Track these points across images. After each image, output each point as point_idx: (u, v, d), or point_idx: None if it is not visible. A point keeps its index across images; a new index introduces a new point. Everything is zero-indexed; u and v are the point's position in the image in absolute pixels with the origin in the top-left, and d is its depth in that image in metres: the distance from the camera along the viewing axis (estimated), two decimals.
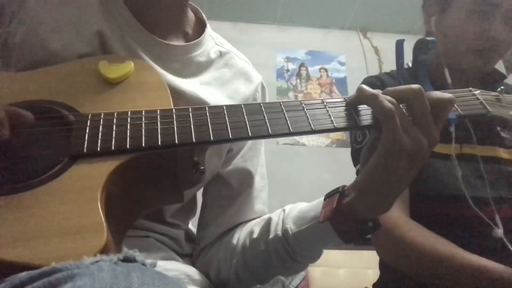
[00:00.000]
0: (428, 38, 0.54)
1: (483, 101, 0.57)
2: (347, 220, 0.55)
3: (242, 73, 0.77)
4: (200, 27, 0.77)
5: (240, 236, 0.70)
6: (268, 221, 0.67)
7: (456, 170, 0.85)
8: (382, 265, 1.02)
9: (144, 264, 0.37)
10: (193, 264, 0.74)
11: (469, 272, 0.72)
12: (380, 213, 0.55)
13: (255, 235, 0.67)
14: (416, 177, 0.86)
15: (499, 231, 0.81)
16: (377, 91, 0.50)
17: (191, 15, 0.77)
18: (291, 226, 0.62)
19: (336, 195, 0.56)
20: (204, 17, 0.79)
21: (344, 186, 0.58)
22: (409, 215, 0.86)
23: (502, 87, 0.61)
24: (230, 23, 3.69)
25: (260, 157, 0.79)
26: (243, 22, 3.79)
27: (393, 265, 0.87)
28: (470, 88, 0.59)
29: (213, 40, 0.76)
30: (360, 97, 0.52)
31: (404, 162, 0.49)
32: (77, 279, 0.30)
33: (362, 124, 0.52)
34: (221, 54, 0.76)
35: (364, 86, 0.51)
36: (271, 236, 0.64)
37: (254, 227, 0.69)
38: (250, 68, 0.80)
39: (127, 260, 0.36)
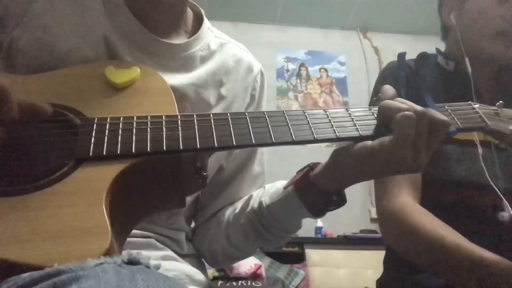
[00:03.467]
0: (430, 52, 0.54)
1: (482, 115, 0.58)
2: (311, 191, 0.59)
3: (243, 62, 0.79)
4: (197, 22, 0.79)
5: (226, 213, 0.75)
6: (249, 198, 0.73)
7: (479, 157, 0.85)
8: (387, 261, 1.02)
9: (148, 266, 0.37)
10: (194, 261, 0.76)
11: (474, 265, 0.71)
12: (341, 187, 0.58)
13: (237, 211, 0.73)
14: (435, 161, 0.88)
15: (506, 214, 0.81)
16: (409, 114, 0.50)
17: (189, 11, 0.79)
18: (265, 199, 0.67)
19: (307, 168, 0.61)
20: (202, 11, 0.80)
21: (318, 162, 0.61)
22: (419, 201, 0.87)
23: (500, 102, 0.62)
24: (230, 23, 3.69)
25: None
26: (243, 22, 3.80)
27: (396, 250, 0.87)
28: (470, 102, 0.60)
29: (212, 33, 0.78)
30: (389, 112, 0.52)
31: (378, 168, 0.52)
32: (82, 281, 0.30)
33: (363, 135, 0.53)
34: (221, 45, 0.78)
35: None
36: (248, 209, 0.69)
37: (238, 204, 0.75)
38: (250, 56, 0.82)
39: (131, 262, 0.36)
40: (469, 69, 0.92)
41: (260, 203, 0.67)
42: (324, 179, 0.58)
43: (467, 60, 0.93)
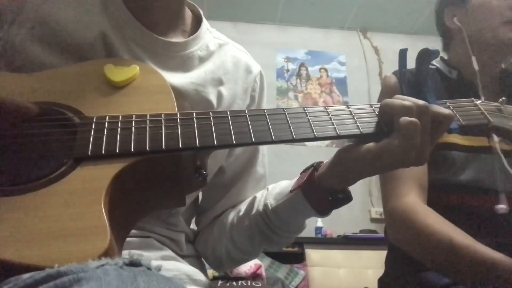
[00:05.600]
0: (431, 48, 0.54)
1: (485, 111, 0.58)
2: (318, 191, 0.59)
3: (242, 63, 0.79)
4: (196, 22, 0.78)
5: (229, 216, 0.75)
6: (253, 200, 0.73)
7: (486, 162, 0.87)
8: (389, 259, 1.03)
9: (149, 268, 0.37)
10: (194, 260, 0.76)
11: (482, 265, 0.71)
12: (346, 186, 0.59)
13: (241, 213, 0.72)
14: (441, 166, 0.88)
15: (502, 207, 0.83)
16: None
17: (187, 11, 0.78)
18: (271, 201, 0.67)
19: (311, 169, 0.61)
20: (201, 12, 0.80)
21: (321, 162, 0.61)
22: (426, 202, 0.88)
23: (503, 98, 0.61)
24: (230, 23, 3.69)
25: (260, 146, 0.81)
26: (243, 22, 3.80)
27: (403, 249, 0.87)
28: (472, 98, 0.60)
29: (210, 34, 0.78)
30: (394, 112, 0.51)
31: (383, 167, 0.52)
32: (83, 283, 0.30)
33: (364, 132, 0.53)
34: (220, 46, 0.77)
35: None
36: (253, 212, 0.69)
37: (242, 206, 0.74)
38: (249, 58, 0.82)
39: (132, 264, 0.36)
40: (476, 67, 0.94)
41: (266, 205, 0.67)
42: (329, 179, 0.58)
43: (473, 58, 0.95)
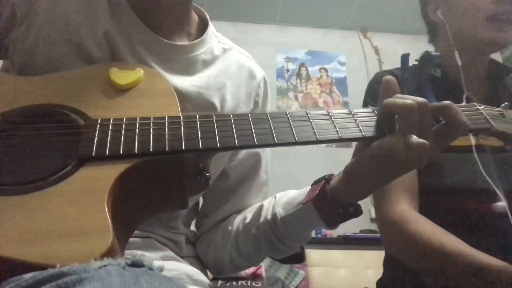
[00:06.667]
0: (433, 53, 0.54)
1: (487, 116, 0.57)
2: (329, 204, 0.59)
3: (245, 69, 0.79)
4: (203, 27, 0.78)
5: (234, 222, 0.74)
6: (260, 208, 0.72)
7: (476, 162, 0.85)
8: (387, 262, 1.03)
9: (151, 269, 0.37)
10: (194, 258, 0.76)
11: (475, 270, 0.71)
12: (358, 199, 0.58)
13: (247, 220, 0.72)
14: (430, 170, 0.88)
15: (500, 204, 0.81)
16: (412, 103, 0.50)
17: (193, 15, 0.79)
18: (279, 211, 0.66)
19: (322, 181, 0.61)
20: (207, 16, 0.80)
21: (332, 174, 0.61)
22: (418, 209, 0.87)
23: (506, 103, 0.61)
24: (230, 23, 3.69)
25: (264, 153, 0.81)
26: (243, 22, 3.80)
27: (398, 258, 0.87)
28: (474, 103, 0.59)
29: (216, 38, 0.78)
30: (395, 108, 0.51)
31: (393, 167, 0.51)
32: (85, 284, 0.30)
33: (366, 135, 0.53)
34: (224, 51, 0.78)
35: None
36: (261, 220, 0.69)
37: (247, 213, 0.74)
38: (253, 63, 0.82)
39: (134, 264, 0.36)
40: (459, 62, 0.91)
41: (274, 214, 0.67)
42: (341, 192, 0.58)
43: (456, 54, 0.93)
